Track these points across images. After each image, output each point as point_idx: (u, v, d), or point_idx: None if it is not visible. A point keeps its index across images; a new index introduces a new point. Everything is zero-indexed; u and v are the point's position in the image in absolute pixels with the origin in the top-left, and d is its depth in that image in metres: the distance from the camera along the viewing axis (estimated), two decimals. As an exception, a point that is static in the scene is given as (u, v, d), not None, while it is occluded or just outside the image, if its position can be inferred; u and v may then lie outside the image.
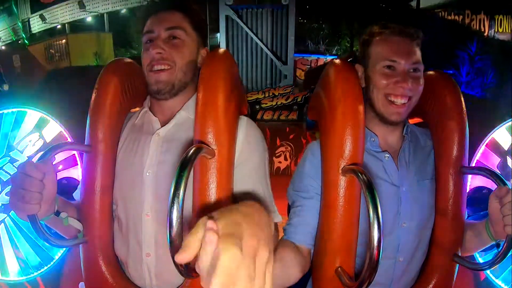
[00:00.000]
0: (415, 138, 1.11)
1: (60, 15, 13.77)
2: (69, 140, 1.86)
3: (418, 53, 0.99)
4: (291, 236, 0.99)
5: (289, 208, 1.12)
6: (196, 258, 0.42)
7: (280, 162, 2.45)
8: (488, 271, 1.69)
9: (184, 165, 0.71)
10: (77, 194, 1.07)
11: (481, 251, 1.67)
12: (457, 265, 1.03)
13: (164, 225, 0.67)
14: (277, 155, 2.41)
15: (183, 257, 0.40)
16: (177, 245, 0.67)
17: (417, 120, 1.21)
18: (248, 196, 0.94)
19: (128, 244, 0.98)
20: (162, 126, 1.01)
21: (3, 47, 13.14)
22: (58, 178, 0.92)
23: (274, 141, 2.49)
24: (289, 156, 2.45)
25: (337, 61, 1.02)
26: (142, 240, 0.96)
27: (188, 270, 0.68)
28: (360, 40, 1.08)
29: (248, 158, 0.95)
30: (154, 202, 0.95)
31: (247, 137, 0.96)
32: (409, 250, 1.02)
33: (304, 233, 0.98)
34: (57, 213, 0.89)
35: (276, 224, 0.97)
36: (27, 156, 1.86)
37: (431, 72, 1.12)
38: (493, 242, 0.98)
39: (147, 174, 0.96)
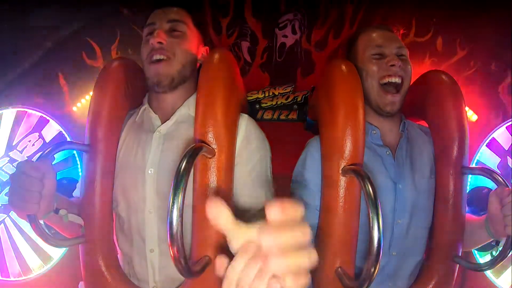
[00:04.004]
0: (412, 136, 1.11)
1: None
2: (68, 139, 1.87)
3: (401, 41, 1.08)
4: None
5: None
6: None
7: (285, 36, 1.83)
8: (488, 271, 1.69)
9: (184, 165, 0.71)
10: (76, 192, 1.07)
11: (481, 251, 1.68)
12: (457, 265, 1.03)
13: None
14: (280, 25, 1.81)
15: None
16: (177, 243, 0.66)
17: (417, 120, 1.21)
18: (247, 197, 0.94)
19: (131, 241, 0.98)
20: (162, 123, 1.01)
21: None
22: (58, 178, 0.92)
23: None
24: (298, 27, 1.84)
25: (338, 61, 1.02)
26: (145, 236, 0.96)
27: (188, 270, 0.68)
28: (346, 43, 1.16)
29: (248, 156, 0.95)
30: (156, 199, 0.95)
31: (248, 136, 0.96)
32: (403, 245, 1.02)
33: None
34: (56, 211, 0.89)
35: None
36: (26, 156, 1.86)
37: (431, 72, 1.12)
38: (492, 240, 0.98)
39: (149, 172, 0.96)
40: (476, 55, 1.69)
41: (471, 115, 1.69)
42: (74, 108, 1.83)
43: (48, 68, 1.79)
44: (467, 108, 1.48)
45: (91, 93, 1.18)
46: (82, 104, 1.82)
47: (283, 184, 1.08)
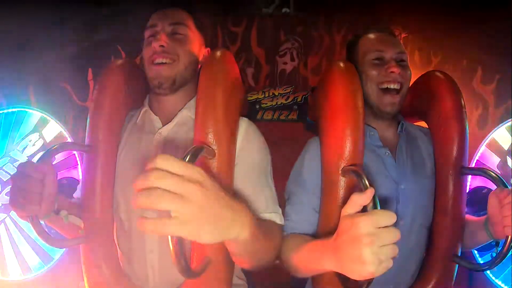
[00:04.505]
0: (411, 137, 1.11)
1: None
2: (69, 140, 1.87)
3: (402, 46, 1.07)
4: (295, 231, 0.98)
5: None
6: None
7: (285, 63, 1.99)
8: (488, 272, 1.69)
9: None
10: (77, 193, 1.07)
11: (481, 251, 1.68)
12: (457, 265, 1.03)
13: None
14: (281, 53, 1.98)
15: None
16: (177, 243, 0.66)
17: (417, 121, 1.21)
18: (247, 198, 0.94)
19: (131, 242, 0.98)
20: (163, 125, 1.01)
21: None
22: (58, 178, 0.92)
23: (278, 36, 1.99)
24: (296, 55, 2.00)
25: (338, 61, 1.02)
26: (145, 236, 0.96)
27: (188, 271, 0.68)
28: (347, 44, 1.16)
29: (247, 157, 0.95)
30: None
31: (246, 137, 0.96)
32: (404, 247, 1.01)
33: (306, 231, 0.98)
34: (57, 212, 0.89)
35: (280, 226, 0.95)
36: (27, 156, 1.86)
37: (431, 72, 1.12)
38: (492, 240, 0.98)
39: None
40: (448, 59, 1.94)
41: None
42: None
43: (80, 62, 2.05)
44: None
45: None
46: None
47: (283, 185, 1.08)
